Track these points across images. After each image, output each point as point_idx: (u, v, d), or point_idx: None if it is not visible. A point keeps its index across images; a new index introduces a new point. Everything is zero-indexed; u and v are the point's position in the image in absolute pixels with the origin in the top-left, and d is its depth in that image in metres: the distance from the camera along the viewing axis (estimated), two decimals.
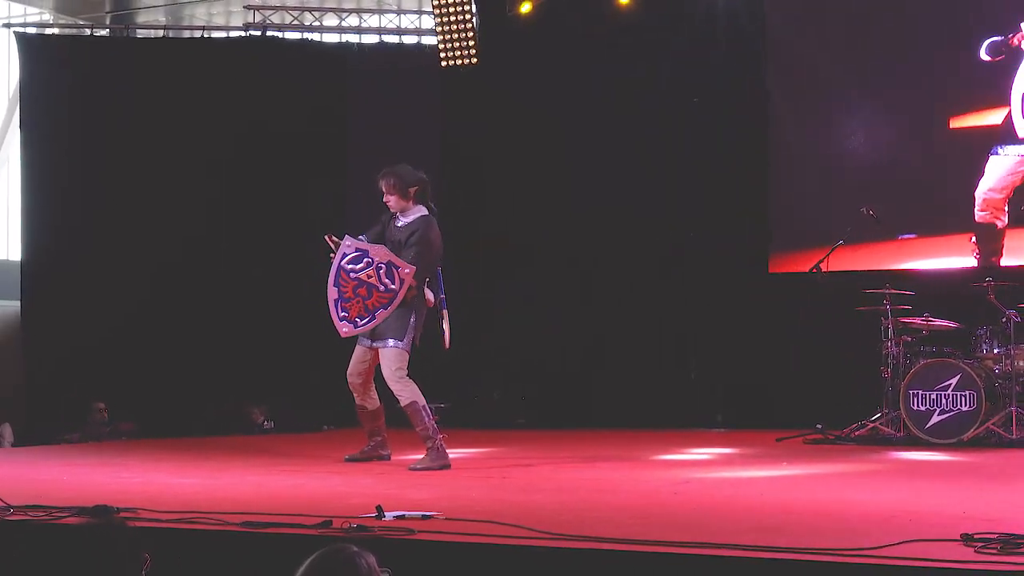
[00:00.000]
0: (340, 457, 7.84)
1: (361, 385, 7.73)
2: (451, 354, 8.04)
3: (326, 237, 7.69)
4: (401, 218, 7.64)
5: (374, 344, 7.59)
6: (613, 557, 4.06)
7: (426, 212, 7.64)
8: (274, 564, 4.17)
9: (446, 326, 7.78)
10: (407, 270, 7.46)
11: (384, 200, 7.65)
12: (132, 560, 3.03)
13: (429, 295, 7.68)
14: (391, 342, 7.50)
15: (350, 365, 7.75)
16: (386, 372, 7.53)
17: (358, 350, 7.72)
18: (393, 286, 7.49)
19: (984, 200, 10.35)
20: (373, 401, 7.81)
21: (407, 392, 7.49)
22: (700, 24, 11.37)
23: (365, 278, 7.52)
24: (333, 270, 7.61)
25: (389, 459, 7.81)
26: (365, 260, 7.55)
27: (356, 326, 7.57)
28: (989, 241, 10.33)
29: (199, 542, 4.56)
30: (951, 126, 10.50)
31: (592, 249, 11.57)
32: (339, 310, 7.58)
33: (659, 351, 11.34)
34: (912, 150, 10.73)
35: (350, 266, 7.57)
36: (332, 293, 7.61)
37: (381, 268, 7.51)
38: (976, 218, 10.37)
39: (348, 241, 7.64)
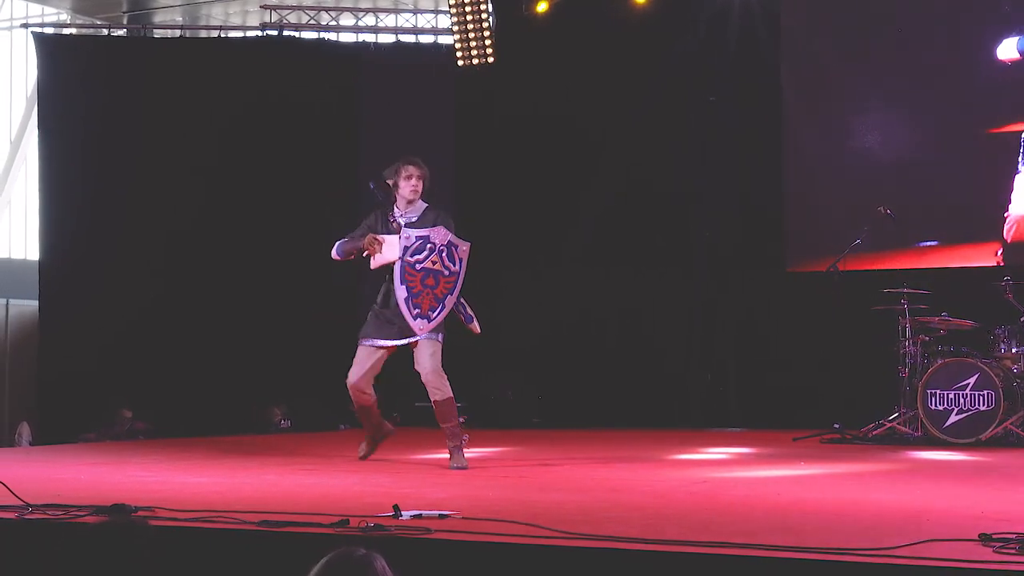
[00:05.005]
0: (357, 456, 7.83)
1: (367, 397, 7.42)
2: (466, 354, 7.93)
3: (374, 238, 7.21)
4: (408, 213, 7.31)
5: (401, 341, 7.24)
6: (629, 557, 4.05)
7: (427, 204, 7.38)
8: (291, 563, 4.17)
9: (472, 313, 7.44)
10: (464, 247, 7.23)
11: (411, 187, 7.25)
12: (150, 559, 3.04)
13: None
14: (430, 335, 7.21)
15: (359, 376, 7.30)
16: (430, 365, 7.19)
17: (371, 354, 7.30)
18: (455, 268, 7.20)
19: (1017, 221, 10.10)
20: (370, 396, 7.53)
21: (447, 387, 7.24)
22: (715, 23, 11.36)
23: (431, 265, 7.18)
24: (398, 267, 7.18)
25: (394, 432, 7.73)
26: (428, 246, 7.20)
27: (430, 320, 7.15)
28: (1019, 259, 10.02)
29: (216, 541, 4.56)
30: (979, 131, 10.23)
31: (608, 248, 11.56)
32: (411, 308, 7.14)
33: (675, 351, 11.32)
34: (931, 152, 10.62)
35: (414, 257, 7.18)
36: (401, 292, 7.15)
37: (443, 251, 7.20)
38: (1007, 238, 10.16)
39: (406, 232, 7.20)
